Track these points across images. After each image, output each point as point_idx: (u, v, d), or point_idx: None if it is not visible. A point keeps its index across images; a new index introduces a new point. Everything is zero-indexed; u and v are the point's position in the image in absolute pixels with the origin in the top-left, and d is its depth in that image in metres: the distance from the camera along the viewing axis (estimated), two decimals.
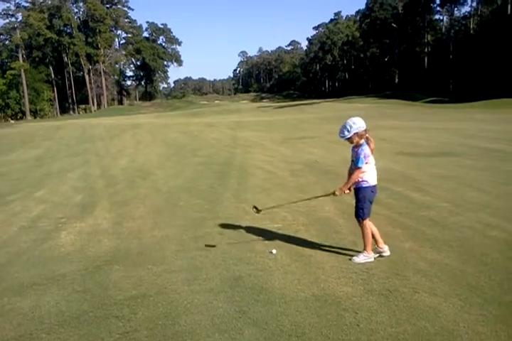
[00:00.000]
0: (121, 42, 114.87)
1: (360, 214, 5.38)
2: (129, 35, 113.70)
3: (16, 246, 6.89)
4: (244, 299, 4.52)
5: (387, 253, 5.51)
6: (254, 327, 3.97)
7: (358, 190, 5.41)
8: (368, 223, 5.42)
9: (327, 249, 5.89)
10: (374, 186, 5.41)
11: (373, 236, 5.49)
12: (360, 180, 5.33)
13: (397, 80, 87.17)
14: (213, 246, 6.14)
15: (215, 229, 7.03)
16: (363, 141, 5.28)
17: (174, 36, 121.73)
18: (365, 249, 5.45)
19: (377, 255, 5.51)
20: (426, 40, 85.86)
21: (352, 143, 5.34)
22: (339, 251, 5.79)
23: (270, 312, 4.22)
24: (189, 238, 6.70)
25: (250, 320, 4.09)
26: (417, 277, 4.86)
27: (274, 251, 5.77)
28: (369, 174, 5.33)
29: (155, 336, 3.91)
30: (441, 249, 5.68)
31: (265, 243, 6.24)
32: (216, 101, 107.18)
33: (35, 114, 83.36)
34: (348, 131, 5.19)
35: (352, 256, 5.51)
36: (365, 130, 5.24)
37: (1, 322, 4.34)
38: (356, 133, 5.20)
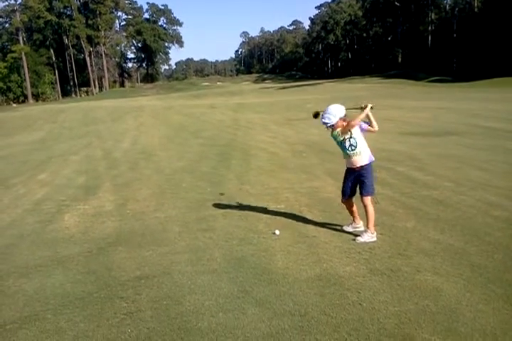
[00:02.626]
0: (122, 23, 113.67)
1: (371, 190, 5.53)
2: (130, 17, 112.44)
3: (20, 228, 6.94)
4: (248, 279, 4.54)
5: (361, 228, 5.72)
6: (257, 306, 4.00)
7: (366, 167, 5.53)
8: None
9: (330, 229, 5.91)
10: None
11: (353, 212, 5.79)
12: (368, 158, 5.53)
13: (400, 60, 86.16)
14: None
15: (218, 211, 7.05)
16: (345, 123, 5.49)
17: (175, 17, 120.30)
18: (368, 227, 5.49)
19: (353, 229, 5.77)
20: (429, 19, 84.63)
21: (334, 129, 5.53)
22: (342, 231, 5.81)
23: (273, 292, 4.25)
24: (192, 219, 6.72)
25: (253, 299, 4.12)
26: (420, 257, 4.88)
27: (277, 232, 5.79)
28: (368, 150, 5.57)
29: (159, 316, 3.95)
30: (444, 229, 5.69)
31: (268, 224, 6.26)
32: (218, 83, 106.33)
33: (36, 97, 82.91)
34: (334, 116, 5.42)
35: (356, 236, 5.53)
36: (345, 115, 5.48)
37: (6, 303, 4.39)
38: (341, 118, 5.44)
